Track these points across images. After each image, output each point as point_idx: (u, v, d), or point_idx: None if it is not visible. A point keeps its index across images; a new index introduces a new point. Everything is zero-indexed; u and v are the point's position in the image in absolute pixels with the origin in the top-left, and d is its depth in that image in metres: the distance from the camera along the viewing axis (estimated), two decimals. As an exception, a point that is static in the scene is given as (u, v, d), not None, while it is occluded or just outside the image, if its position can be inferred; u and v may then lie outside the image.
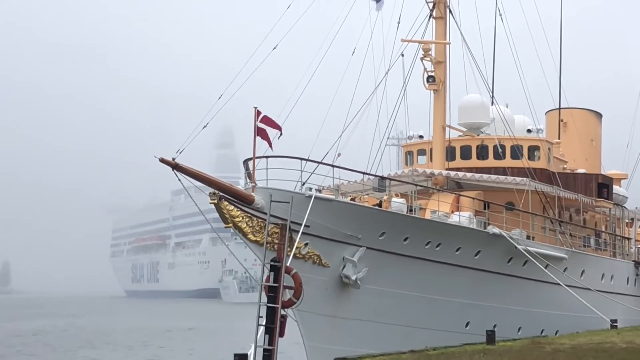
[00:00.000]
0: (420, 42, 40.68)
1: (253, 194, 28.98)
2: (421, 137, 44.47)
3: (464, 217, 36.26)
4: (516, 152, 42.54)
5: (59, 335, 72.43)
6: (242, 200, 28.89)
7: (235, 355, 21.97)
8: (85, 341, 64.89)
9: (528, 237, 38.57)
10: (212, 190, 28.60)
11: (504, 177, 40.28)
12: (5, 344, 62.58)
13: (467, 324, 35.69)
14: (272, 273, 23.01)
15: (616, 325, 38.28)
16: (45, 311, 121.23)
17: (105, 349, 57.98)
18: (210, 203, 28.52)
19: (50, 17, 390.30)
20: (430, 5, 41.30)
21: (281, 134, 28.38)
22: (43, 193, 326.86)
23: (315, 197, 29.71)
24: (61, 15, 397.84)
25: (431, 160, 42.47)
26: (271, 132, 28.18)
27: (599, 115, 54.97)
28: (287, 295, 24.54)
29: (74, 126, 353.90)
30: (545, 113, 53.42)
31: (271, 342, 22.07)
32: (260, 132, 27.98)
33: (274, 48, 33.51)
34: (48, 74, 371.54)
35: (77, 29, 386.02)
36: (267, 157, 28.88)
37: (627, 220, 52.96)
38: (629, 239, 51.24)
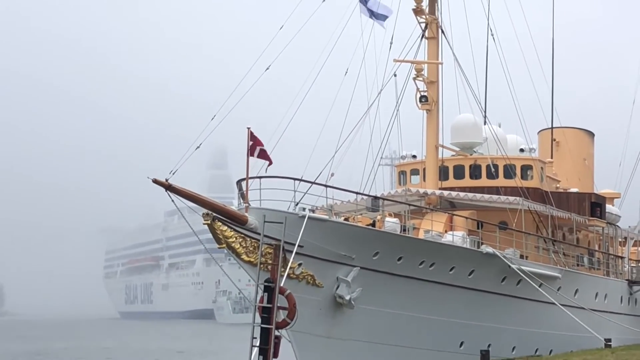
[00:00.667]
0: (412, 62, 40.77)
1: (246, 214, 28.93)
2: (414, 156, 44.49)
3: (457, 237, 36.21)
4: (509, 172, 42.57)
5: (54, 357, 72.05)
6: (236, 220, 28.84)
7: (229, 376, 21.84)
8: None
9: (522, 257, 38.55)
10: (205, 210, 28.55)
11: (497, 196, 40.27)
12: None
13: (461, 344, 35.61)
14: (265, 293, 22.96)
15: (610, 345, 38.23)
16: (40, 333, 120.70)
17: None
18: (204, 224, 28.48)
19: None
20: (423, 25, 41.35)
21: (269, 162, 28.46)
22: (37, 214, 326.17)
23: (309, 217, 29.67)
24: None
25: (424, 179, 42.45)
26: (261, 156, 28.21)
27: (591, 134, 55.08)
28: (281, 316, 24.50)
29: (66, 149, 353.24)
30: (538, 132, 53.47)
31: (265, 363, 21.97)
32: (254, 151, 27.98)
33: (267, 69, 33.53)
34: (34, 109, 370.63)
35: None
36: (260, 177, 28.88)
37: (620, 239, 52.94)
38: (622, 257, 51.22)
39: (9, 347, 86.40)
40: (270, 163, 28.56)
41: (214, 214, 28.55)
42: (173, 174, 27.94)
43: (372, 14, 38.45)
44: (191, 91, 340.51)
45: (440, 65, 41.60)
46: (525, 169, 44.02)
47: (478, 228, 38.56)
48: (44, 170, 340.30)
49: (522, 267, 36.96)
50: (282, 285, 26.23)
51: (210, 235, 28.83)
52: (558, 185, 47.52)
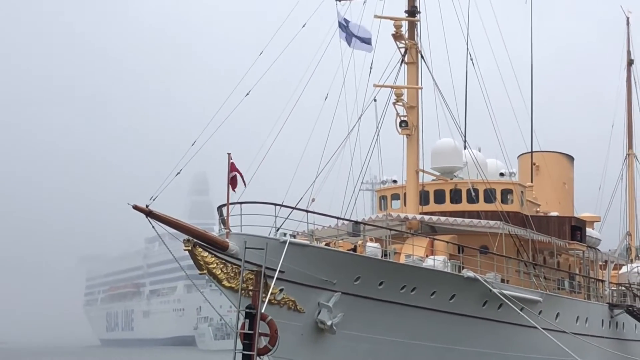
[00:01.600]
0: (392, 87, 40.82)
1: (227, 240, 28.86)
2: (395, 181, 44.53)
3: (438, 261, 36.21)
4: (489, 196, 42.66)
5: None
6: (217, 246, 28.76)
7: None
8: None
9: (502, 281, 38.57)
10: (186, 236, 28.48)
11: (477, 220, 40.32)
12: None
13: (443, 369, 35.57)
14: (247, 320, 22.87)
15: (592, 368, 38.24)
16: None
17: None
18: (185, 250, 28.42)
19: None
20: (402, 50, 41.43)
21: (240, 186, 28.44)
22: (15, 241, 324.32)
23: (290, 243, 29.62)
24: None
25: (405, 204, 42.49)
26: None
27: (570, 158, 55.30)
28: (263, 342, 24.40)
29: (45, 174, 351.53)
30: (518, 157, 53.64)
31: (247, 389, 21.85)
32: (236, 180, 27.98)
33: (247, 94, 33.57)
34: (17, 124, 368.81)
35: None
36: (241, 203, 28.83)
37: (600, 263, 53.06)
38: (602, 281, 51.33)
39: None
40: (235, 186, 28.34)
41: (195, 240, 28.47)
42: (154, 200, 27.88)
43: (354, 38, 38.50)
44: (171, 117, 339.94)
45: (420, 90, 41.66)
46: (506, 193, 44.12)
47: (459, 252, 38.61)
48: (22, 197, 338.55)
49: (504, 291, 36.96)
50: (263, 311, 26.14)
51: (191, 262, 28.74)
52: (538, 209, 47.65)
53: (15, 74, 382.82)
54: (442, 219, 40.35)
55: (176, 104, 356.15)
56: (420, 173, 42.43)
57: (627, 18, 70.68)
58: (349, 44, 38.35)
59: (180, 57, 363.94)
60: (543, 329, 38.54)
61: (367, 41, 38.79)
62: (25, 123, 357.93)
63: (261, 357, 24.48)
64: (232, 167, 27.93)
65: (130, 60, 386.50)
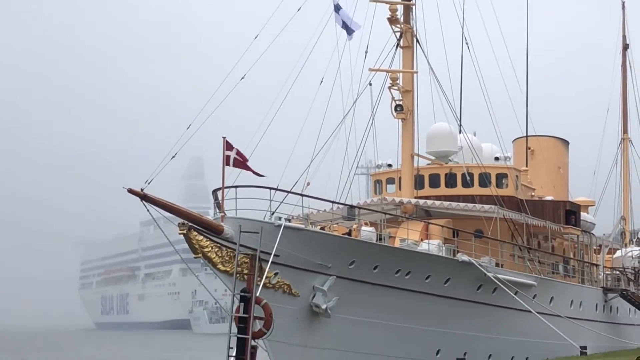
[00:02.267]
0: (387, 72, 40.83)
1: (222, 223, 28.89)
2: (390, 165, 44.56)
3: (433, 245, 36.29)
4: (484, 180, 42.72)
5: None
6: (211, 230, 28.80)
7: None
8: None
9: (497, 265, 38.68)
10: (181, 220, 28.50)
11: (472, 204, 40.39)
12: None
13: (437, 352, 35.69)
14: (242, 304, 22.91)
15: (586, 352, 38.44)
16: (16, 345, 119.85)
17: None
18: (180, 233, 28.43)
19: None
20: (398, 34, 41.41)
21: (247, 169, 28.40)
22: (11, 225, 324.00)
23: (285, 227, 29.66)
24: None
25: (400, 188, 42.51)
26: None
27: (565, 142, 55.35)
28: (257, 325, 24.44)
29: (43, 160, 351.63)
30: (513, 141, 53.69)
31: (242, 372, 21.91)
32: (235, 163, 27.95)
33: (242, 78, 33.52)
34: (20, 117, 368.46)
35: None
36: (236, 186, 28.85)
37: (595, 247, 53.19)
38: (597, 265, 51.49)
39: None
40: (247, 168, 28.41)
41: (190, 224, 28.50)
42: (148, 183, 27.88)
43: (343, 25, 38.47)
44: (166, 100, 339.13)
45: (415, 74, 41.68)
46: (500, 178, 44.20)
47: (453, 236, 38.67)
48: (18, 182, 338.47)
49: (498, 275, 37.08)
50: (258, 295, 26.17)
51: (186, 245, 28.77)
52: (533, 194, 47.73)
53: (17, 74, 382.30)
54: (437, 203, 40.42)
55: (172, 87, 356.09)
56: (416, 157, 42.49)
57: (623, 2, 70.88)
58: (352, 32, 38.35)
59: (179, 42, 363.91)
60: (537, 312, 38.67)
61: (350, 31, 38.63)
62: (33, 114, 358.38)
63: (256, 340, 24.51)
64: (228, 147, 27.86)
65: (125, 40, 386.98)
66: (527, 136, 51.65)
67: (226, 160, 27.89)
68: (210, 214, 31.97)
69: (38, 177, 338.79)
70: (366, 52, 40.14)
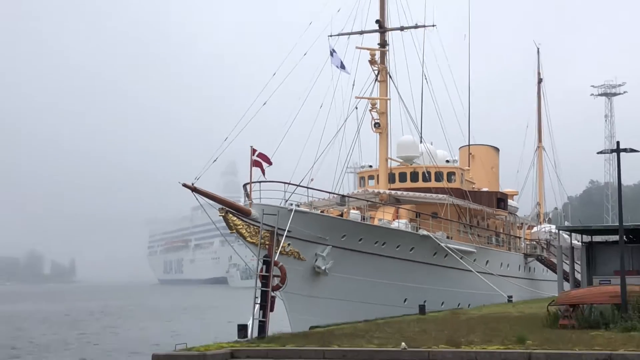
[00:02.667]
0: (368, 99, 40.89)
1: (250, 208, 28.89)
2: (370, 166, 44.58)
3: (401, 224, 36.31)
4: (439, 177, 42.72)
5: (114, 312, 71.56)
6: (243, 213, 28.79)
7: (238, 325, 21.69)
8: (129, 316, 64.18)
9: (448, 237, 38.68)
10: (220, 206, 28.48)
11: (430, 194, 40.44)
12: (81, 317, 62.29)
13: (405, 300, 35.70)
14: (264, 265, 22.86)
15: (512, 300, 38.40)
16: (101, 295, 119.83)
17: (146, 321, 57.14)
18: (219, 216, 28.38)
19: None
20: (376, 72, 41.54)
21: (270, 164, 28.28)
22: (99, 212, 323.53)
23: (295, 210, 29.66)
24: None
25: (378, 182, 42.55)
26: (264, 164, 28.03)
27: (497, 149, 55.36)
28: (276, 281, 24.37)
29: (123, 157, 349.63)
30: (459, 148, 53.65)
31: (264, 315, 21.87)
32: (256, 164, 27.85)
33: (264, 104, 33.53)
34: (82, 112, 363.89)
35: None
36: (260, 182, 28.83)
37: (518, 225, 53.28)
38: (519, 237, 51.53)
39: (81, 305, 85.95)
40: (270, 164, 28.23)
41: (227, 209, 28.49)
42: (197, 179, 27.85)
43: (341, 63, 38.64)
44: (208, 119, 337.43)
45: (388, 101, 41.69)
46: (450, 175, 44.18)
47: (416, 217, 38.69)
48: (107, 176, 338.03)
49: (449, 245, 37.11)
50: (276, 259, 26.12)
51: (224, 224, 28.73)
52: (474, 186, 47.75)
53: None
54: (405, 193, 40.44)
55: (212, 110, 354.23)
56: (389, 160, 42.49)
57: (538, 48, 71.25)
58: (344, 69, 38.37)
59: (214, 82, 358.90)
60: (477, 272, 38.68)
61: (344, 67, 38.81)
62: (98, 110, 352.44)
63: (274, 292, 24.53)
64: (254, 152, 27.73)
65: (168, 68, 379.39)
66: (469, 145, 51.63)
67: (254, 164, 27.80)
68: (241, 202, 31.95)
69: (118, 172, 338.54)
70: (353, 84, 40.24)
